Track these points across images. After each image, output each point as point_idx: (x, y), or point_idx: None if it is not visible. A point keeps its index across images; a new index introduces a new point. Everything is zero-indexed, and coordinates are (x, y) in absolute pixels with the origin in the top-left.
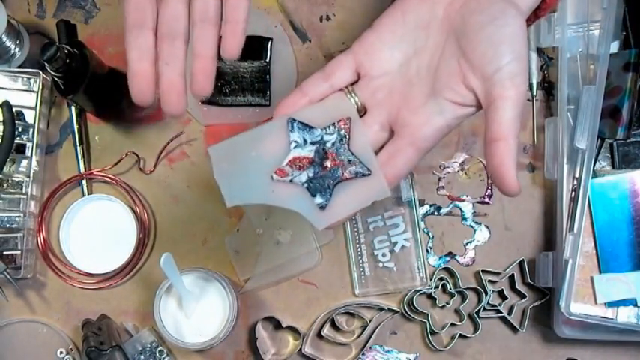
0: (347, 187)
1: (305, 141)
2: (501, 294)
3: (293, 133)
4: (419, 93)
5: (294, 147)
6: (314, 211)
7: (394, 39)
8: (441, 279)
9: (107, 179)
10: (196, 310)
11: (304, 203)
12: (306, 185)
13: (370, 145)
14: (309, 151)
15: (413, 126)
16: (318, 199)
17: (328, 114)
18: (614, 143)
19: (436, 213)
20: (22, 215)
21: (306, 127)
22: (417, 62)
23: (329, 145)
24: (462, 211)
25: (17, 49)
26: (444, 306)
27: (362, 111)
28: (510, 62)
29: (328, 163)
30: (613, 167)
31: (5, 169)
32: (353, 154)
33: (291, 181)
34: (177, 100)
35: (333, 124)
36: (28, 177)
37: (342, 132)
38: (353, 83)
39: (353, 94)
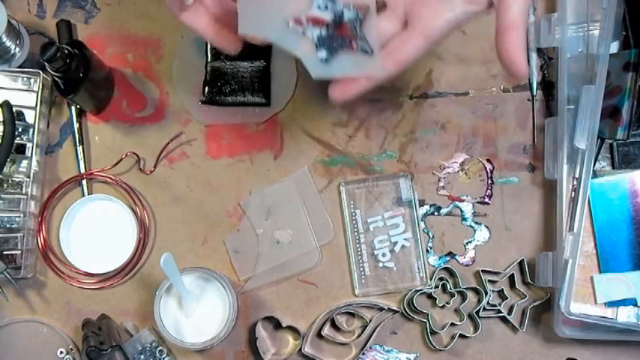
0: (349, 55)
1: (326, 6)
2: (501, 294)
3: None
4: None
5: (316, 7)
6: (315, 60)
7: None
8: (441, 279)
9: (107, 179)
10: (196, 310)
11: (308, 53)
12: (315, 40)
13: (381, 33)
14: (329, 16)
15: (425, 17)
16: (322, 53)
17: None
18: (614, 143)
19: (436, 213)
20: (22, 215)
21: None
22: None
23: (345, 18)
24: (462, 211)
25: (17, 49)
26: (444, 306)
27: (380, 3)
28: None
29: (340, 31)
30: (613, 167)
31: (5, 169)
32: (364, 32)
33: (303, 33)
34: None
35: (354, 5)
36: (28, 177)
37: (360, 14)
38: None
39: None
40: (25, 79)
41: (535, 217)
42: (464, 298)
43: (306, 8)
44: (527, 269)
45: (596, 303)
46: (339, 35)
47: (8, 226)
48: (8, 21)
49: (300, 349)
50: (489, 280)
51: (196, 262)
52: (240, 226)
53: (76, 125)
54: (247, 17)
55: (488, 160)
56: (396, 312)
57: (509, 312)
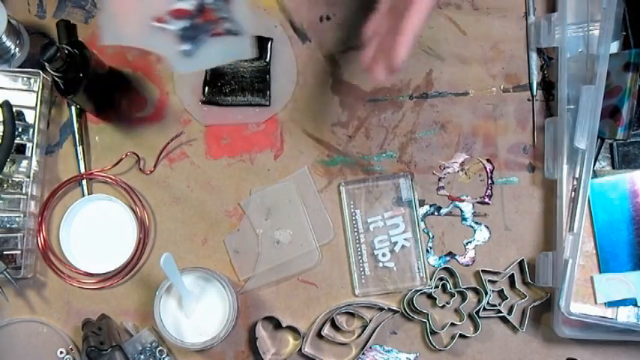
0: (216, 42)
1: None
2: (501, 294)
3: None
4: None
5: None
6: (178, 56)
7: None
8: (441, 279)
9: (107, 179)
10: (196, 310)
11: (171, 48)
12: (180, 33)
13: (249, 9)
14: (190, 4)
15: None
16: (185, 46)
17: None
18: (614, 143)
19: (436, 213)
20: (22, 215)
21: None
22: None
23: (209, 1)
24: (462, 211)
25: (17, 49)
26: (444, 306)
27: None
28: None
29: (204, 17)
30: (613, 167)
31: (5, 169)
32: (230, 11)
33: (164, 29)
34: None
35: None
36: (28, 177)
37: None
38: None
39: None
40: (25, 79)
41: (535, 217)
42: (464, 298)
43: (169, 3)
44: (527, 269)
45: (596, 303)
46: (203, 22)
47: (8, 226)
48: (8, 21)
49: (300, 349)
50: (489, 280)
51: (196, 262)
52: (240, 226)
53: (76, 125)
54: (109, 29)
55: (488, 160)
56: (396, 312)
57: (509, 312)
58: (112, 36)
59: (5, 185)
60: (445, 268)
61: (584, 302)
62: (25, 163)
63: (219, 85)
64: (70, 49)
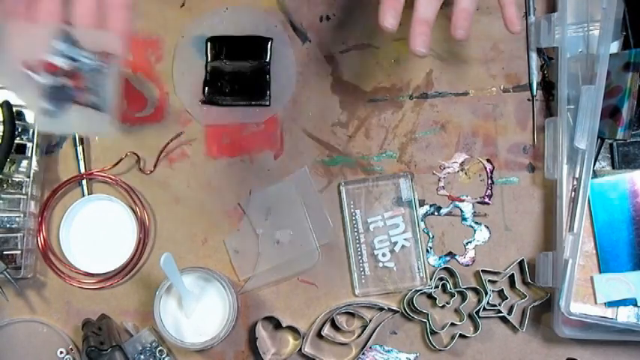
0: (79, 111)
1: (62, 53)
2: (501, 294)
3: (58, 41)
4: None
5: (51, 52)
6: (41, 112)
7: None
8: (441, 279)
9: (107, 179)
10: (196, 310)
11: (34, 100)
12: (47, 89)
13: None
14: (65, 63)
15: None
16: (47, 105)
17: (98, 42)
18: (614, 143)
19: (436, 213)
20: (22, 215)
21: (71, 40)
22: None
23: (84, 67)
24: (462, 211)
25: None
26: (444, 306)
27: None
28: None
29: (74, 81)
30: (613, 167)
31: (5, 169)
32: (100, 86)
33: (36, 78)
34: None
35: (100, 53)
36: (28, 177)
37: (103, 66)
38: None
39: None
40: None
41: (535, 217)
42: (464, 298)
43: (42, 52)
44: (527, 269)
45: (596, 303)
46: (72, 86)
47: (8, 226)
48: None
49: (300, 349)
50: (489, 280)
51: (196, 262)
52: (240, 226)
53: None
54: None
55: (488, 160)
56: (396, 312)
57: (509, 312)
58: None
59: (5, 185)
60: (445, 268)
61: (584, 302)
62: (25, 163)
63: (219, 85)
64: None
